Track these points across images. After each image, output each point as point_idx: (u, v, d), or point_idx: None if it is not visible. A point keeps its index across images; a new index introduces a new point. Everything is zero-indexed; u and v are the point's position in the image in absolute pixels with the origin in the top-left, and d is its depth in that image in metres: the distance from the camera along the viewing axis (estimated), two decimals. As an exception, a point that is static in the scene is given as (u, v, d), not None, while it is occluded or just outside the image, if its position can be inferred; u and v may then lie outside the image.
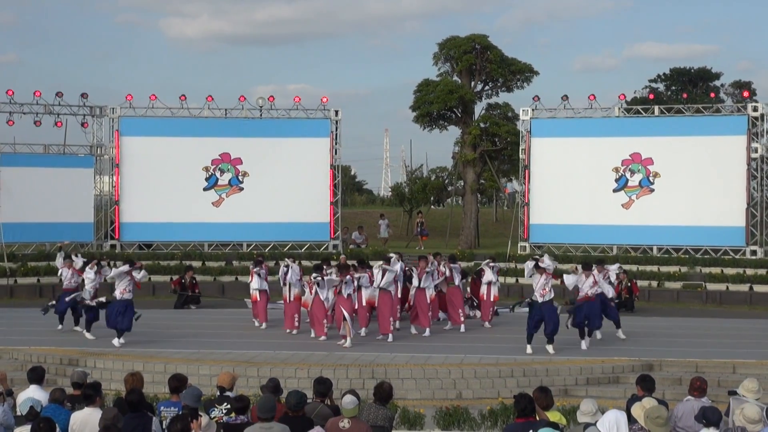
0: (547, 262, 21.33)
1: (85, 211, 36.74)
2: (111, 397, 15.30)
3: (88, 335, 22.60)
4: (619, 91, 45.14)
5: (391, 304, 22.73)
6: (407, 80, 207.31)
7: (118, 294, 21.87)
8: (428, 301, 23.48)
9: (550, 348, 20.46)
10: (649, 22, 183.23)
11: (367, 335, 22.98)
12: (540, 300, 20.61)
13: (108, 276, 23.37)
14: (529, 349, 20.65)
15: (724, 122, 35.96)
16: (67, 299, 23.50)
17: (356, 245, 39.80)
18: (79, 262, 24.15)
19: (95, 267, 23.30)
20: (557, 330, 20.56)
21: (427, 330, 23.35)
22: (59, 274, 24.90)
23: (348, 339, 21.48)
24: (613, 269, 23.12)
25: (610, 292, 22.17)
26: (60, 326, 23.76)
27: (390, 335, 22.45)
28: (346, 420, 10.19)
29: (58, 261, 25.11)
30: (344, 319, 21.57)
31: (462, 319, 24.20)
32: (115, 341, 21.61)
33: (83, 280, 23.60)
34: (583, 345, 21.19)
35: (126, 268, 21.90)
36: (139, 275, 22.13)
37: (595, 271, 21.85)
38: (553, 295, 20.86)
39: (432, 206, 57.19)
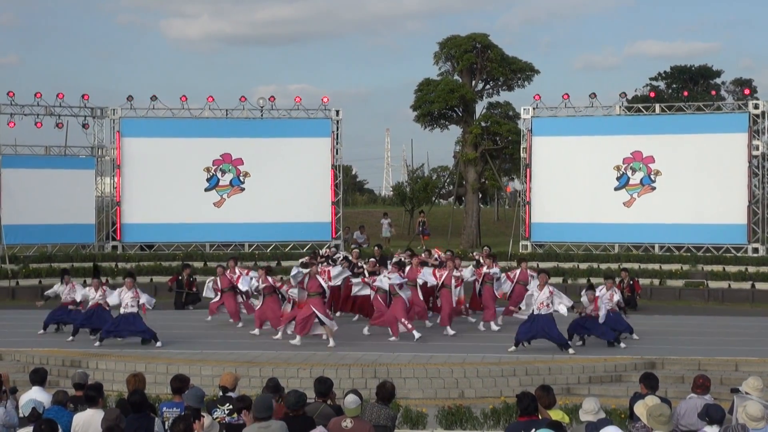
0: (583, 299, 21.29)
1: (86, 213, 36.79)
2: (113, 398, 15.30)
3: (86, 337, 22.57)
4: (620, 89, 45.08)
5: (403, 307, 22.44)
6: (408, 80, 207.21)
7: (122, 309, 21.86)
8: (454, 301, 23.34)
9: (570, 350, 20.35)
10: (650, 20, 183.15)
11: (371, 335, 22.98)
12: (537, 312, 20.56)
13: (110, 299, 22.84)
14: (512, 347, 20.67)
15: (725, 120, 35.96)
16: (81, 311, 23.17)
17: (357, 245, 39.76)
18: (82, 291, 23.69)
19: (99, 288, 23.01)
20: (562, 338, 20.47)
21: (449, 328, 23.09)
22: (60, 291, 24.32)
23: (331, 339, 21.36)
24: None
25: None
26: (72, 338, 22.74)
27: (395, 338, 22.31)
28: (349, 420, 10.18)
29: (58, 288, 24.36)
30: (320, 322, 21.47)
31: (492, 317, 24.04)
32: (158, 344, 21.71)
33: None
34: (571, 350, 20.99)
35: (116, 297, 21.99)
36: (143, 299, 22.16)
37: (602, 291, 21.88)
38: (552, 309, 20.68)
39: (452, 204, 57.06)
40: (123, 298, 21.82)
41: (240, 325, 24.90)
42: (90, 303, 22.81)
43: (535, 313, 20.58)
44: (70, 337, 22.57)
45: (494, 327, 24.01)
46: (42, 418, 10.16)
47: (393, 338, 22.32)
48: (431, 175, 63.14)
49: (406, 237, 46.74)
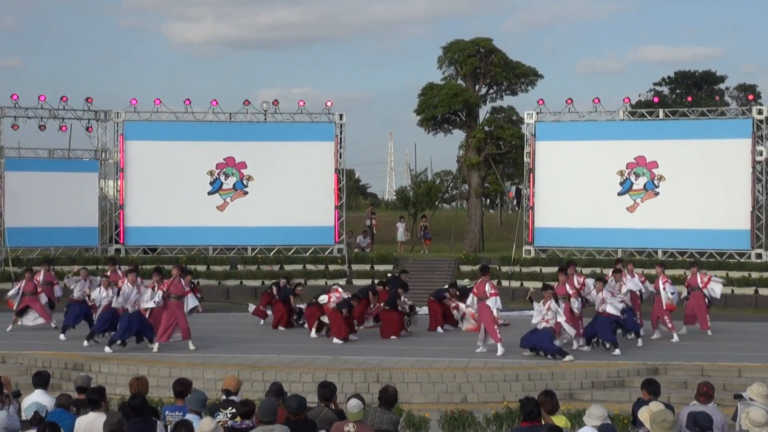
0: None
1: (89, 216, 36.81)
2: (116, 401, 15.29)
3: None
4: (624, 94, 45.18)
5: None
6: (412, 84, 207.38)
7: (129, 308, 21.81)
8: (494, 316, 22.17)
9: (566, 358, 20.25)
10: (654, 24, 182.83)
11: (370, 340, 22.98)
12: (540, 326, 20.57)
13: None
14: (527, 352, 20.70)
15: (728, 125, 35.91)
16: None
17: (361, 249, 39.79)
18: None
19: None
20: (555, 348, 20.35)
21: (500, 347, 21.17)
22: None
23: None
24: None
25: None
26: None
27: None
28: (351, 424, 10.17)
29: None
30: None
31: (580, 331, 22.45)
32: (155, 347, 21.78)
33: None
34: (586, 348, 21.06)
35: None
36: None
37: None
38: (552, 324, 20.58)
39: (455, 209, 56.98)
40: (130, 295, 21.80)
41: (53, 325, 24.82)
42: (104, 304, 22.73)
43: (539, 327, 20.60)
44: (85, 342, 22.44)
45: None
46: (45, 421, 10.16)
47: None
48: (434, 179, 63.13)
49: (410, 242, 46.75)
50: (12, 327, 25.27)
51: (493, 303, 21.30)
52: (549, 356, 20.27)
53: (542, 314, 20.45)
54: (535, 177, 37.19)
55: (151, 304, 21.94)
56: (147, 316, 22.15)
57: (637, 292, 23.49)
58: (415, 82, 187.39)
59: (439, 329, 25.51)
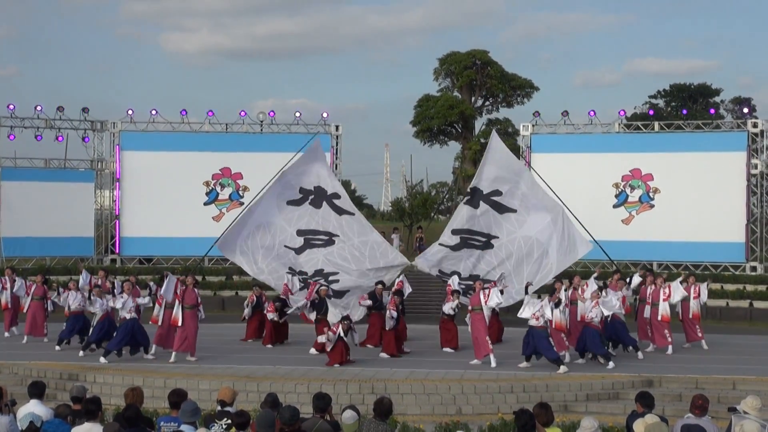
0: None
1: (85, 226, 36.83)
2: (111, 412, 15.28)
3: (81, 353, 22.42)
4: (620, 106, 45.28)
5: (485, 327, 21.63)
6: (408, 95, 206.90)
7: (127, 315, 21.76)
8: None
9: (561, 369, 20.22)
10: (650, 37, 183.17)
11: (368, 351, 22.97)
12: (530, 322, 20.59)
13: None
14: (524, 363, 20.69)
15: (724, 138, 36.05)
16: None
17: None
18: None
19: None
20: (554, 354, 20.40)
21: (493, 359, 21.19)
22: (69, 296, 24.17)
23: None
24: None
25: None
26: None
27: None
28: (346, 435, 10.19)
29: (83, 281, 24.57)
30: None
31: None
32: (149, 356, 21.98)
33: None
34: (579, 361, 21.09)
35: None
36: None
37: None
38: (544, 322, 20.59)
39: None
40: (125, 303, 21.81)
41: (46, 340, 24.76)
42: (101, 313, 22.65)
43: (529, 324, 20.66)
44: (81, 352, 22.37)
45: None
46: (40, 431, 10.15)
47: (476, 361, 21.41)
48: (430, 190, 63.17)
49: (405, 253, 46.73)
50: (27, 339, 25.05)
51: (495, 300, 21.50)
52: (548, 360, 20.31)
53: (534, 309, 20.52)
54: (531, 189, 37.17)
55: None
56: (159, 323, 22.19)
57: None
58: (412, 94, 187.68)
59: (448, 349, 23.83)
